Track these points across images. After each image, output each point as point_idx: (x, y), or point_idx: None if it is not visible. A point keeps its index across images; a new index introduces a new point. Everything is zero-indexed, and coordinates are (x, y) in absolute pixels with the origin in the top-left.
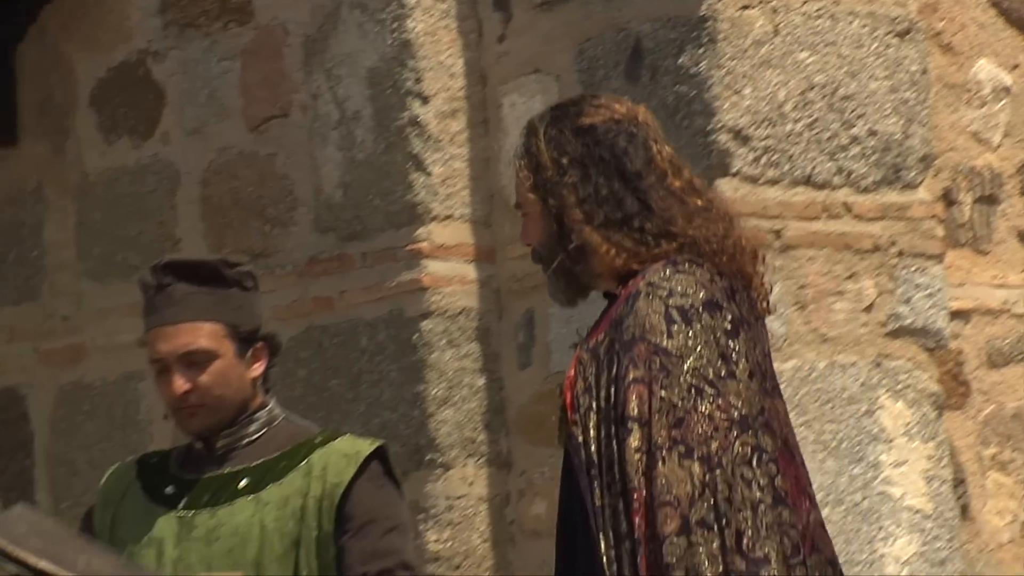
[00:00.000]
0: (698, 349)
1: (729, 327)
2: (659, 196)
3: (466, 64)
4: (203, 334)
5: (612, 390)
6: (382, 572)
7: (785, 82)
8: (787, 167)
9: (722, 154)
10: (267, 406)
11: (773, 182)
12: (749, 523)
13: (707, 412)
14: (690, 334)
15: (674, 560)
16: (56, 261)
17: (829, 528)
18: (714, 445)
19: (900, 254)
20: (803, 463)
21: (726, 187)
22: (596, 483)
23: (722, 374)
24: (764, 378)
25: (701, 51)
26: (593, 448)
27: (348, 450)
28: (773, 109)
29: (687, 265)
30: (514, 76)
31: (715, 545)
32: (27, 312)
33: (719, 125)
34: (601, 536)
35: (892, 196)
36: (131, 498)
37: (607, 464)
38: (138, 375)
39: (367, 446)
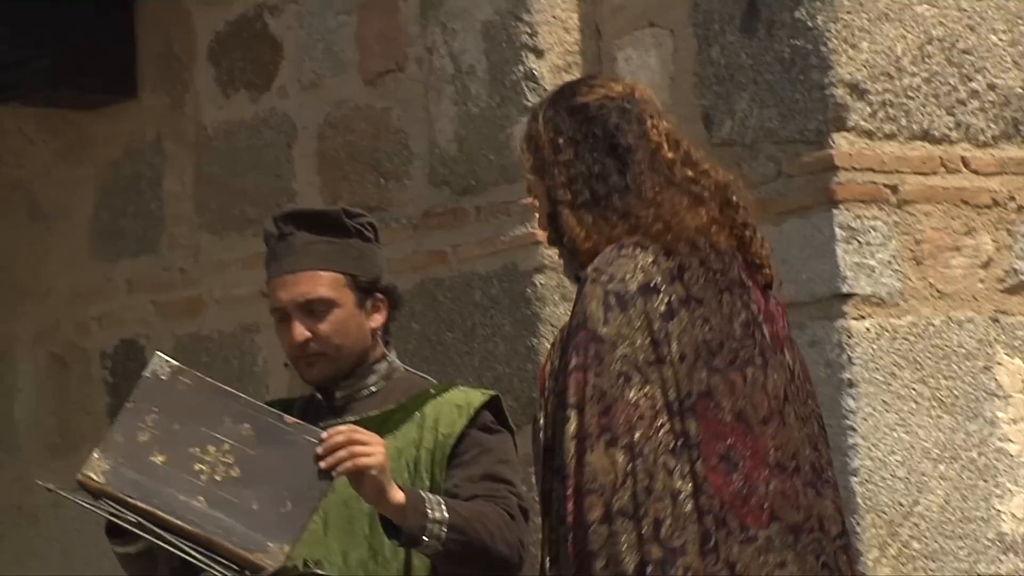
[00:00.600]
0: (630, 335)
1: (664, 310)
2: (639, 170)
3: (581, 18)
4: (323, 283)
5: (561, 377)
6: (492, 495)
7: (903, 35)
8: (904, 121)
9: (838, 108)
10: (386, 358)
11: (890, 136)
12: (668, 512)
13: (633, 399)
14: (623, 320)
15: (596, 548)
16: (174, 214)
17: (945, 484)
18: (637, 434)
19: (1019, 209)
20: (775, 433)
21: (842, 141)
22: (546, 468)
23: (652, 359)
24: (713, 354)
25: (818, 4)
26: (547, 433)
27: (460, 401)
28: (891, 63)
29: (631, 248)
30: (629, 30)
31: (633, 535)
32: (145, 265)
33: (836, 79)
34: (545, 520)
35: (1011, 151)
36: None
37: (554, 449)
38: (255, 327)
39: (479, 397)
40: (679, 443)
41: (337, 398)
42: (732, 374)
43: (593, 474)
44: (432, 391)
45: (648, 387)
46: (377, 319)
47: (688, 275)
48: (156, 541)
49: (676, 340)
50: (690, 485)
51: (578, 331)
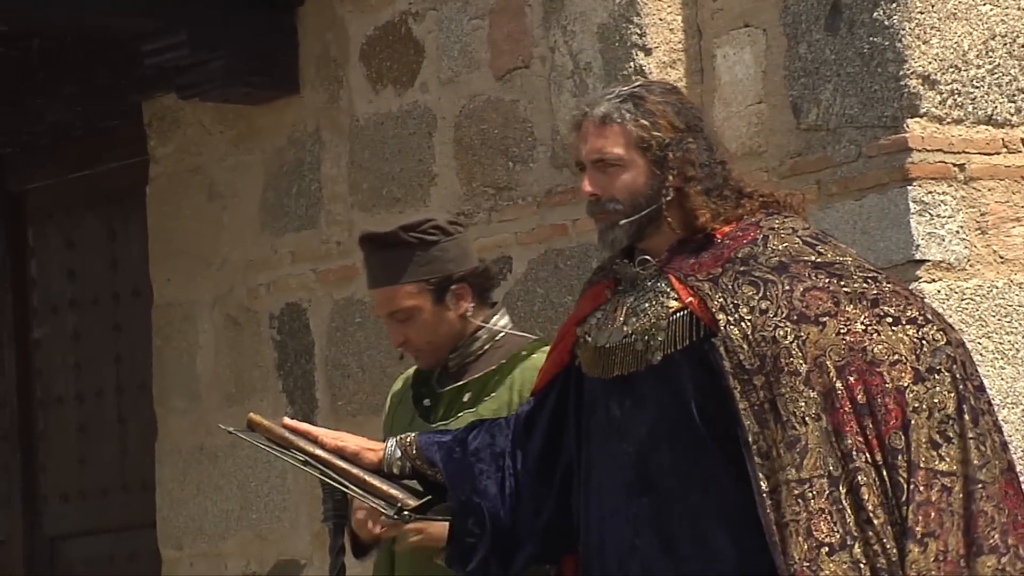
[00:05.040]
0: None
1: None
2: (729, 168)
3: (684, 20)
4: (400, 296)
5: (776, 300)
6: None
7: (969, 32)
8: (970, 108)
9: (912, 97)
10: (485, 326)
11: (958, 121)
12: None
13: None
14: (832, 253)
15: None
16: (331, 194)
17: (1008, 427)
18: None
19: None
20: None
21: (915, 126)
22: (747, 385)
23: None
24: None
25: (894, 5)
26: (741, 356)
27: (541, 364)
28: (958, 56)
29: (790, 216)
30: (726, 30)
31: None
32: (307, 238)
33: (910, 71)
34: (838, 491)
35: None
36: (404, 406)
37: (760, 364)
38: None
39: None
40: None
41: (451, 367)
42: None
43: (889, 351)
44: (524, 352)
45: None
46: (463, 305)
47: None
48: (319, 476)
49: None
50: None
51: (790, 264)
